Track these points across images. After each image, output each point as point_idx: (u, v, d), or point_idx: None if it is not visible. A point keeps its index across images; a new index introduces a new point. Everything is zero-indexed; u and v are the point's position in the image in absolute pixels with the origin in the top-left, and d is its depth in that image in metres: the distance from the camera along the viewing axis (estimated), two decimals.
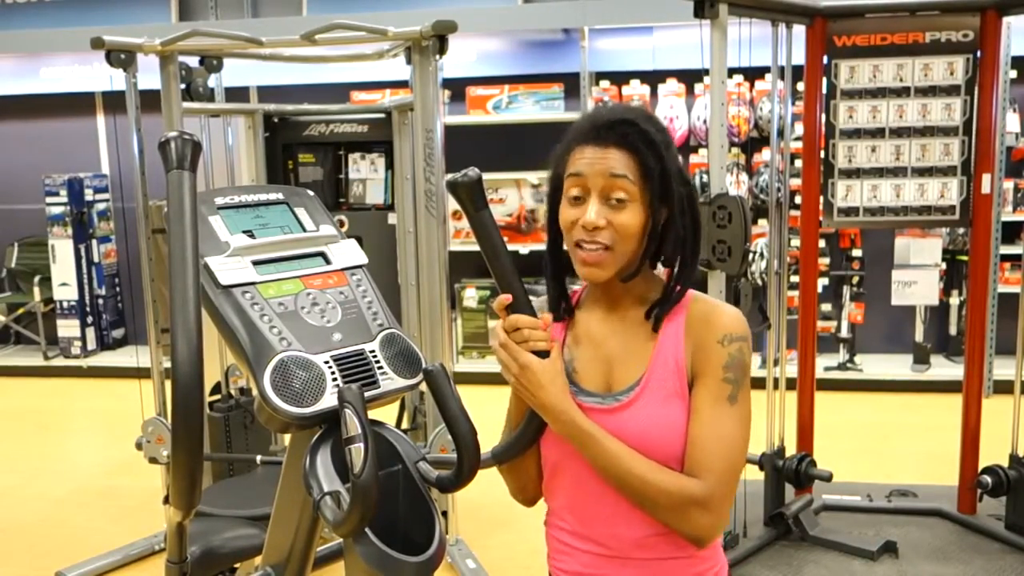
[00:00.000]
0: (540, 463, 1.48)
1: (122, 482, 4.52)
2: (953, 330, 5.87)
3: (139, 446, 3.40)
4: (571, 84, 5.98)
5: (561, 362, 1.38)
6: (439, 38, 3.12)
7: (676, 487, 1.32)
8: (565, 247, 1.42)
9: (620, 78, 6.04)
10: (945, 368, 5.75)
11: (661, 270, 1.44)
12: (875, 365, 5.86)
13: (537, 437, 1.44)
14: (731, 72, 3.12)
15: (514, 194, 6.18)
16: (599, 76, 6.11)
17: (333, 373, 1.42)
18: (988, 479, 3.36)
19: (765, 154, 5.67)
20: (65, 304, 6.76)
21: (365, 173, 4.16)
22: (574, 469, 1.41)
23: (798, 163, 3.72)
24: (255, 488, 3.26)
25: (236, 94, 6.15)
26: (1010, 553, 3.29)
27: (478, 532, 3.73)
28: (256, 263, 1.49)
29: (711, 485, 1.31)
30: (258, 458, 3.36)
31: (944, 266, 5.67)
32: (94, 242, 6.84)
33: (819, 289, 4.50)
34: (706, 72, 3.06)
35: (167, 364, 1.86)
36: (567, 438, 1.37)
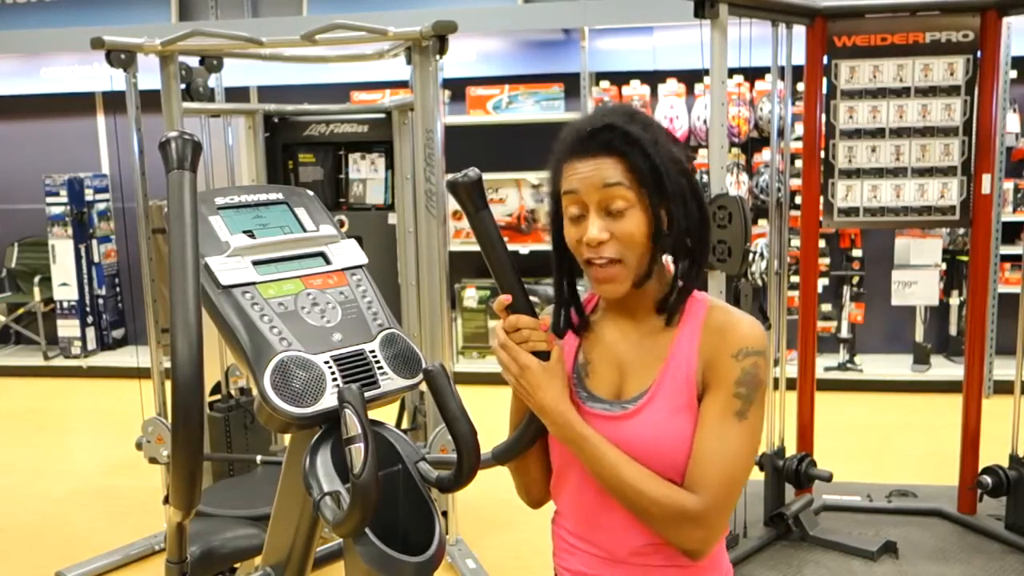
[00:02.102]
0: (543, 465, 1.48)
1: (122, 482, 4.52)
2: (953, 330, 5.88)
3: (139, 446, 3.40)
4: (571, 84, 5.98)
5: (561, 365, 1.37)
6: (439, 38, 3.12)
7: (669, 499, 1.29)
8: (573, 258, 1.38)
9: (620, 78, 6.04)
10: (945, 368, 5.75)
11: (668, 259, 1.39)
12: (875, 365, 5.86)
13: (536, 438, 1.44)
14: (731, 72, 3.11)
15: (514, 194, 6.18)
16: (599, 76, 6.11)
17: (333, 373, 1.42)
18: (988, 479, 3.35)
19: (765, 154, 5.67)
20: (65, 304, 6.76)
21: (365, 173, 4.16)
22: (576, 473, 1.40)
23: (798, 163, 3.72)
24: (255, 488, 3.26)
25: (236, 94, 6.15)
26: (1010, 553, 3.29)
27: (478, 532, 3.73)
28: (256, 263, 1.49)
29: (707, 501, 1.28)
30: (258, 458, 3.36)
31: (944, 266, 5.67)
32: (94, 242, 6.84)
33: (819, 289, 4.50)
34: (706, 72, 3.06)
35: (167, 364, 1.86)
36: (563, 441, 1.36)
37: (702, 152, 5.76)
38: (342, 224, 3.80)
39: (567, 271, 1.42)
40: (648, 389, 1.35)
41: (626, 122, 1.32)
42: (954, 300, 5.82)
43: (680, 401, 1.33)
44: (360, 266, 1.60)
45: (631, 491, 1.31)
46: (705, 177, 3.40)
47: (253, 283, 1.46)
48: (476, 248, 1.42)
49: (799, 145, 3.58)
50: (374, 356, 1.48)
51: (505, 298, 1.36)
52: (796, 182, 3.82)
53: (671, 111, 5.85)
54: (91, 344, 6.87)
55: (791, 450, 3.52)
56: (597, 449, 1.33)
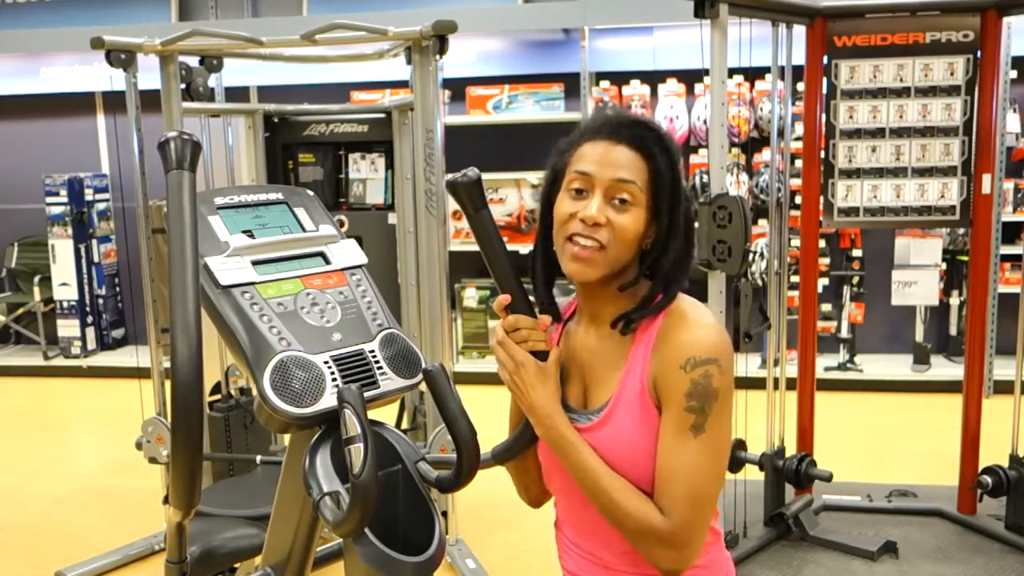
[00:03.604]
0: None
1: (122, 482, 4.52)
2: (953, 330, 5.87)
3: (139, 446, 3.40)
4: (571, 84, 5.98)
5: (557, 367, 1.36)
6: (439, 38, 3.12)
7: (642, 515, 1.27)
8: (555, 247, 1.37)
9: (620, 78, 6.04)
10: (945, 368, 5.75)
11: None
12: (875, 365, 5.86)
13: (536, 439, 1.44)
14: (731, 72, 3.11)
15: (514, 194, 6.18)
16: (599, 76, 6.11)
17: (333, 373, 1.42)
18: (988, 479, 3.35)
19: (765, 154, 5.67)
20: (65, 304, 6.75)
21: (365, 173, 4.16)
22: (558, 478, 1.40)
23: (798, 163, 3.72)
24: (255, 488, 3.26)
25: (236, 94, 6.15)
26: (1010, 553, 3.29)
27: (478, 532, 3.73)
28: (256, 263, 1.49)
29: (674, 522, 1.26)
30: (258, 458, 3.36)
31: (944, 266, 5.67)
32: (94, 242, 6.84)
33: (819, 289, 4.50)
34: (706, 72, 3.06)
35: (167, 364, 1.86)
36: (548, 443, 1.36)
37: (702, 152, 5.76)
38: (342, 224, 3.79)
39: (548, 268, 1.40)
40: (609, 400, 1.34)
41: (660, 130, 1.34)
42: (954, 300, 5.82)
43: (638, 412, 1.31)
44: (360, 266, 1.60)
45: (607, 501, 1.30)
46: (705, 177, 3.40)
47: (252, 283, 1.46)
48: (476, 248, 1.42)
49: (799, 145, 3.58)
50: (374, 356, 1.48)
51: (504, 298, 1.37)
52: (796, 182, 3.82)
53: (671, 111, 5.85)
54: (91, 344, 6.87)
55: (791, 450, 3.52)
56: (579, 454, 1.32)
